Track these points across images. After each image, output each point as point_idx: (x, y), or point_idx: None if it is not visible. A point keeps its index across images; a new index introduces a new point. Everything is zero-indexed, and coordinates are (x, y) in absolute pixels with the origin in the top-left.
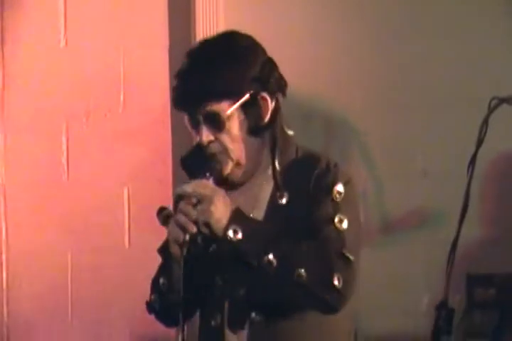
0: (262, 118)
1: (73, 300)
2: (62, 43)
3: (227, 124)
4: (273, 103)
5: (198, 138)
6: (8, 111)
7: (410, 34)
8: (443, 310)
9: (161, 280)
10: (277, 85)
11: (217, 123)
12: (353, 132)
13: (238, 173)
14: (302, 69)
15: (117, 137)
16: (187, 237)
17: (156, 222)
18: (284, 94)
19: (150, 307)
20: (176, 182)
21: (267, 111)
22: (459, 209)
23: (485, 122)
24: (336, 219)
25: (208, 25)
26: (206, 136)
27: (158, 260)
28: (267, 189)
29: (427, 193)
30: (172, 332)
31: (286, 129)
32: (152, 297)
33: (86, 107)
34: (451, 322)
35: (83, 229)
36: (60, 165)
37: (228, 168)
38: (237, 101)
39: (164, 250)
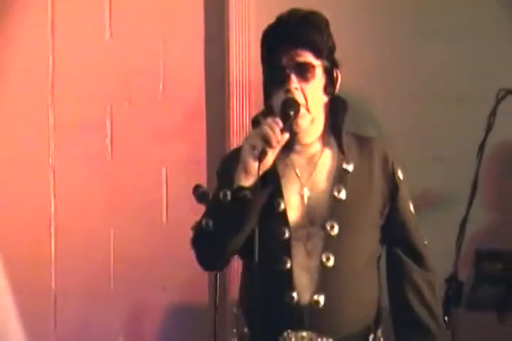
0: (334, 87)
1: (115, 273)
2: (107, 35)
3: (315, 78)
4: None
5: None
6: (58, 95)
7: (428, 34)
8: (452, 283)
9: (206, 221)
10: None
11: (307, 72)
12: (371, 119)
13: (310, 131)
14: None
15: (156, 121)
16: (266, 148)
17: (192, 199)
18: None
19: (194, 244)
20: (210, 162)
21: (336, 85)
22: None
23: (493, 112)
24: (412, 208)
25: (240, 20)
26: (294, 83)
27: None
28: (327, 155)
29: (441, 177)
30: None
31: None
32: (196, 236)
33: (128, 93)
34: (460, 295)
35: (125, 206)
36: (105, 145)
37: (305, 122)
38: (321, 60)
39: (214, 195)
